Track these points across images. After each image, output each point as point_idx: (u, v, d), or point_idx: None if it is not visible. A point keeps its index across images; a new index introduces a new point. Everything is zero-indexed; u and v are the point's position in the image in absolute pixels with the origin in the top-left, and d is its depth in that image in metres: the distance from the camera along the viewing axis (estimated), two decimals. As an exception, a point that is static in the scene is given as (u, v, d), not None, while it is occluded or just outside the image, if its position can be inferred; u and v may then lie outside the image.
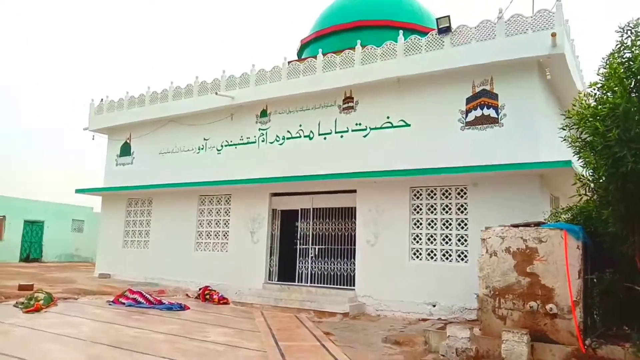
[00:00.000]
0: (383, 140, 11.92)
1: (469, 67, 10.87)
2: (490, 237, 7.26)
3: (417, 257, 11.25)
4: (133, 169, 16.76)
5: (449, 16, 10.96)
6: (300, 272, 12.97)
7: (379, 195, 11.83)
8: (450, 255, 10.88)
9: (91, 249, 21.94)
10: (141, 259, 15.99)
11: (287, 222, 13.68)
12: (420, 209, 11.38)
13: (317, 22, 17.94)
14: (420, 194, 11.45)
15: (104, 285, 14.04)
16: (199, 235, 14.88)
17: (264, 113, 14.01)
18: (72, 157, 48.32)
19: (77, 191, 17.36)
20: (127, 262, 16.34)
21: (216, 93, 14.08)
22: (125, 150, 17.13)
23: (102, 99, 17.74)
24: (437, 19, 11.10)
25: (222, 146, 14.70)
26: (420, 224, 11.32)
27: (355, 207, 12.24)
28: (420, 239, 11.28)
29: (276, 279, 13.36)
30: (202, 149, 15.11)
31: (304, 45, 17.40)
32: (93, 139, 17.83)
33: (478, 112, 10.88)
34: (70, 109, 51.68)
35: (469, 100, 11.01)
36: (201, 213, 15.00)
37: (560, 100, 11.92)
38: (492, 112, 10.72)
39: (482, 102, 10.87)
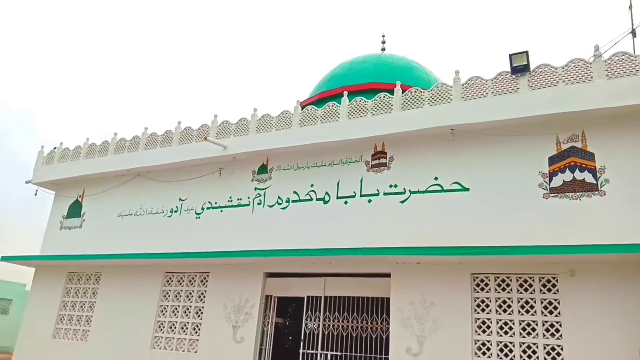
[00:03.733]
0: (429, 207, 8.86)
1: (552, 117, 8.23)
2: None
3: (484, 376, 7.80)
4: (81, 234, 12.98)
5: (527, 52, 8.43)
6: (304, 388, 9.20)
7: (425, 283, 8.54)
8: (536, 376, 7.49)
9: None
10: (76, 356, 11.78)
11: (286, 314, 10.08)
12: (488, 306, 8.10)
13: (320, 84, 15.56)
14: (487, 285, 8.23)
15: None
16: (160, 327, 10.99)
17: (263, 169, 10.87)
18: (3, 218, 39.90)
19: (3, 259, 13.26)
20: (55, 357, 12.05)
21: (205, 138, 10.90)
22: (75, 210, 13.43)
23: (55, 147, 14.28)
24: (510, 55, 8.54)
25: (202, 209, 11.30)
26: (488, 327, 7.99)
27: (388, 298, 8.86)
28: (489, 348, 7.89)
29: (267, 397, 9.52)
30: (176, 211, 11.65)
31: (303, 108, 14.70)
32: (36, 194, 14.12)
33: (567, 176, 8.05)
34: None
35: (552, 160, 8.22)
36: (165, 296, 11.23)
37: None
38: (587, 177, 7.91)
39: (572, 163, 8.08)
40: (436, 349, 8.12)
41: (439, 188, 8.89)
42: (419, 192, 9.03)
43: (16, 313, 20.64)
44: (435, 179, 8.95)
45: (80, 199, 13.46)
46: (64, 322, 12.49)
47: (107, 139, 13.17)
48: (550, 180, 8.12)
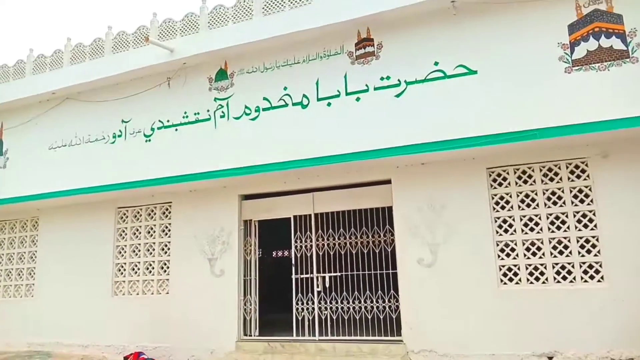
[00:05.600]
0: (430, 98, 7.51)
1: (570, -24, 6.93)
2: None
3: (511, 279, 6.90)
4: (6, 175, 10.84)
5: None
6: (300, 318, 8.05)
7: (433, 185, 7.39)
8: (570, 273, 6.65)
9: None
10: (22, 315, 10.11)
11: (271, 239, 8.81)
12: (508, 202, 7.09)
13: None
14: (505, 179, 7.17)
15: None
16: (120, 270, 9.43)
17: (222, 74, 9.08)
18: None
19: None
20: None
21: (146, 39, 8.90)
22: (-7, 148, 11.20)
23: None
24: None
25: (152, 130, 9.47)
26: (511, 225, 7.02)
27: (390, 207, 7.68)
28: (513, 249, 6.95)
29: (258, 333, 8.33)
30: (120, 135, 9.75)
31: None
32: (-60, 134, 11.66)
33: (591, 44, 6.86)
34: None
35: (573, 28, 6.98)
36: (122, 235, 9.59)
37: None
38: (615, 43, 6.76)
39: (597, 29, 6.90)
40: (452, 257, 7.12)
41: (441, 74, 7.52)
42: (416, 81, 7.64)
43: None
44: (436, 64, 7.56)
45: (-2, 134, 11.20)
46: (0, 278, 10.64)
47: (21, 58, 10.78)
48: (572, 51, 6.92)
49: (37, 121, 10.66)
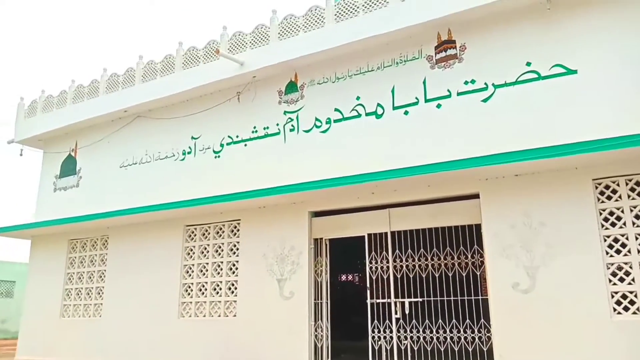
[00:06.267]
0: (522, 102, 6.75)
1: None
2: None
3: (627, 307, 5.87)
4: (79, 193, 10.97)
5: None
6: (377, 347, 7.31)
7: (529, 199, 6.53)
8: None
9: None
10: (88, 335, 9.98)
11: (342, 260, 8.19)
12: (620, 219, 6.11)
13: None
14: (615, 192, 6.21)
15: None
16: (187, 291, 9.11)
17: (291, 86, 8.72)
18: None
19: (-8, 231, 11.28)
20: (67, 339, 10.25)
21: (217, 51, 8.72)
22: (69, 167, 11.38)
23: (36, 98, 12.08)
24: None
25: (222, 146, 9.22)
26: (624, 245, 6.03)
27: (479, 225, 6.88)
28: (628, 272, 5.95)
29: (330, 361, 7.69)
30: (190, 152, 9.58)
31: None
32: (21, 154, 12.04)
33: None
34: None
35: (693, 16, 6.06)
36: (189, 254, 9.30)
37: None
38: None
39: None
40: (554, 281, 6.18)
41: (535, 76, 6.75)
42: (506, 84, 6.91)
43: (22, 295, 18.94)
44: (528, 64, 6.81)
45: (73, 153, 11.38)
46: (71, 298, 10.64)
47: (95, 77, 10.97)
48: (695, 43, 5.98)
49: (109, 139, 10.74)
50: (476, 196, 6.93)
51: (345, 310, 9.61)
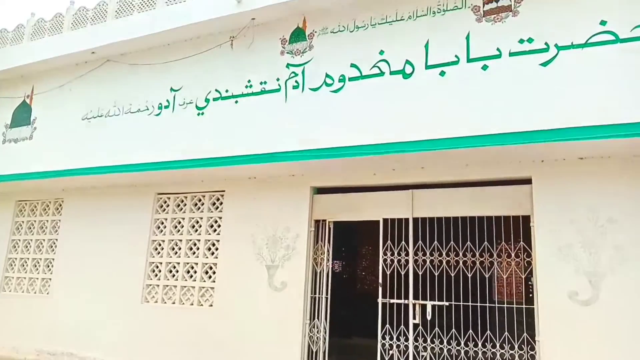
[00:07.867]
0: (594, 69, 5.41)
1: None
2: None
3: None
4: (32, 147, 9.24)
5: None
6: (388, 357, 5.97)
7: (597, 189, 5.24)
8: None
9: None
10: (34, 315, 8.41)
11: (349, 248, 6.78)
12: None
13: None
14: None
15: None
16: (154, 271, 7.60)
17: (298, 34, 7.20)
18: None
19: None
20: (7, 318, 8.66)
21: (210, -19, 7.11)
22: (22, 115, 9.61)
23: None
24: None
25: (207, 101, 7.65)
26: None
27: (528, 217, 5.57)
28: None
29: (328, 370, 6.34)
30: (167, 106, 7.97)
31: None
32: (-35, 98, 10.20)
33: None
34: None
35: None
36: (159, 228, 7.78)
37: None
38: None
39: None
40: (624, 293, 4.95)
41: (611, 37, 5.41)
42: (572, 46, 5.54)
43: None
44: (603, 23, 5.45)
45: (28, 100, 9.61)
46: (14, 269, 9.00)
47: (60, 11, 9.20)
48: None
49: (71, 86, 9.02)
50: (527, 181, 5.61)
51: (344, 304, 8.27)
